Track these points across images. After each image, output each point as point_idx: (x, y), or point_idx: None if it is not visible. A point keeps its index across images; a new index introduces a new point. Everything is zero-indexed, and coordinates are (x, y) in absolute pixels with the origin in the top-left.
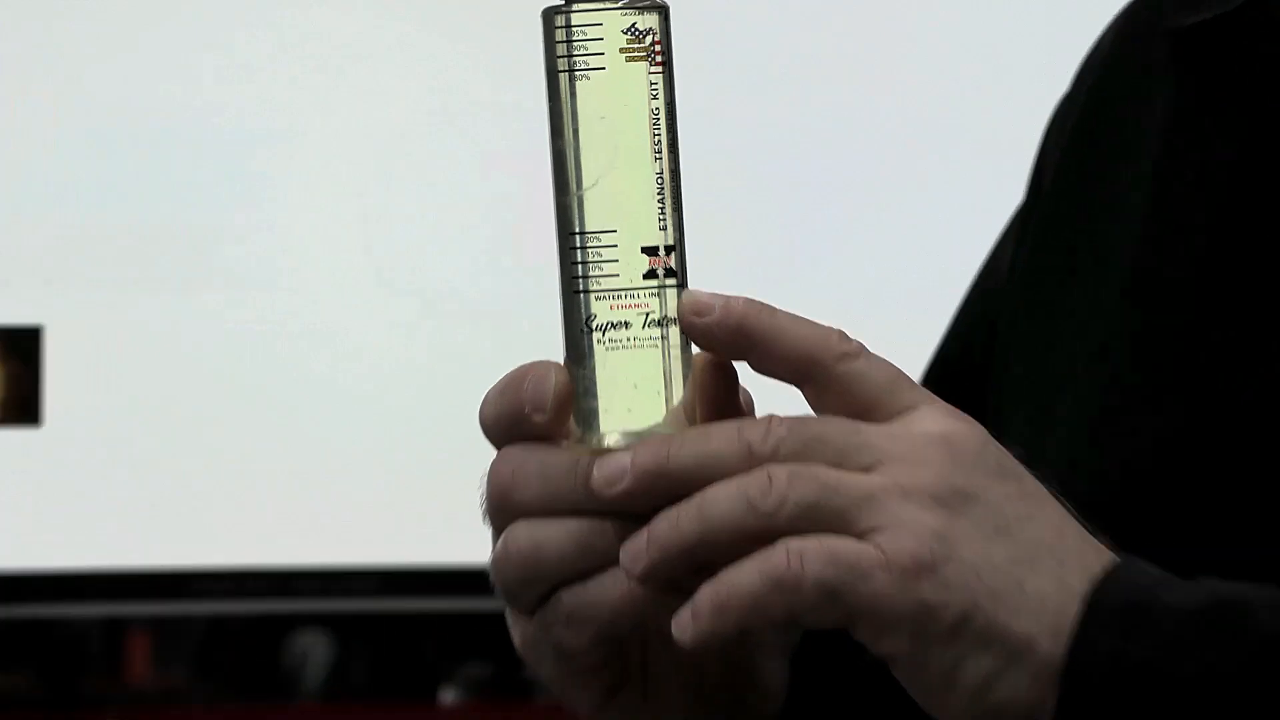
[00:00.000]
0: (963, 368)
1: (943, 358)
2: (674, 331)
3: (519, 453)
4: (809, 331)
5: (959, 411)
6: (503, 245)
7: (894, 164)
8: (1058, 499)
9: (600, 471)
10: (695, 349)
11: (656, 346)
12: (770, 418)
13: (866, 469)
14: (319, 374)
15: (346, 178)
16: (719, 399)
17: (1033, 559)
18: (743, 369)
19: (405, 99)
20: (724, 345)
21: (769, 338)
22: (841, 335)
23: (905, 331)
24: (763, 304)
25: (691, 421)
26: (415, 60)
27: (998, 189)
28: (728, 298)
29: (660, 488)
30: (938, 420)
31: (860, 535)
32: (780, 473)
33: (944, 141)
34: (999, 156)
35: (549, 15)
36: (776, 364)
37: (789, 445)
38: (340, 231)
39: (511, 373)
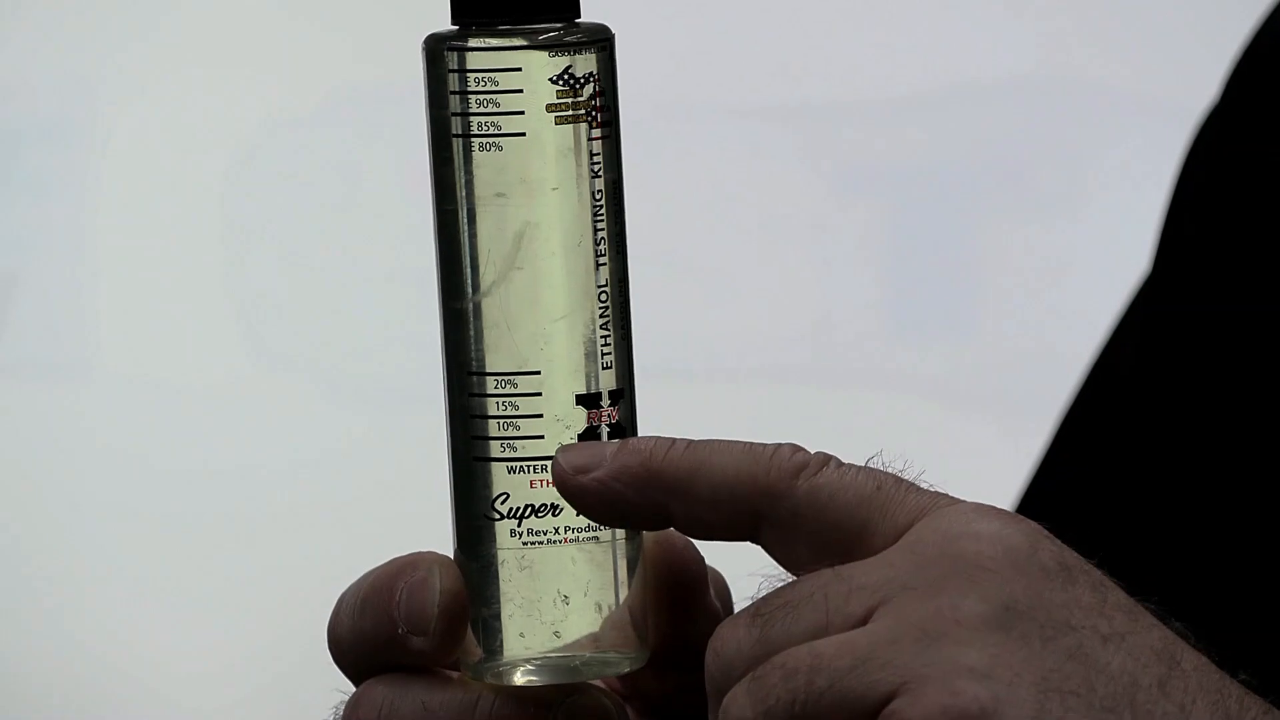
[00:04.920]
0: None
1: (1039, 491)
2: None
3: (388, 691)
4: (744, 451)
5: (996, 509)
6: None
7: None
8: (1162, 620)
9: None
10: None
11: (597, 541)
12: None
13: (861, 621)
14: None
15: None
16: (682, 598)
17: (1132, 699)
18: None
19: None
20: (633, 508)
21: (690, 474)
22: (794, 447)
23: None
24: (673, 438)
25: (641, 635)
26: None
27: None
28: (618, 441)
29: None
30: (957, 522)
31: (875, 714)
32: (741, 689)
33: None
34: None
35: (436, 50)
36: (708, 510)
37: (751, 645)
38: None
39: (376, 573)
